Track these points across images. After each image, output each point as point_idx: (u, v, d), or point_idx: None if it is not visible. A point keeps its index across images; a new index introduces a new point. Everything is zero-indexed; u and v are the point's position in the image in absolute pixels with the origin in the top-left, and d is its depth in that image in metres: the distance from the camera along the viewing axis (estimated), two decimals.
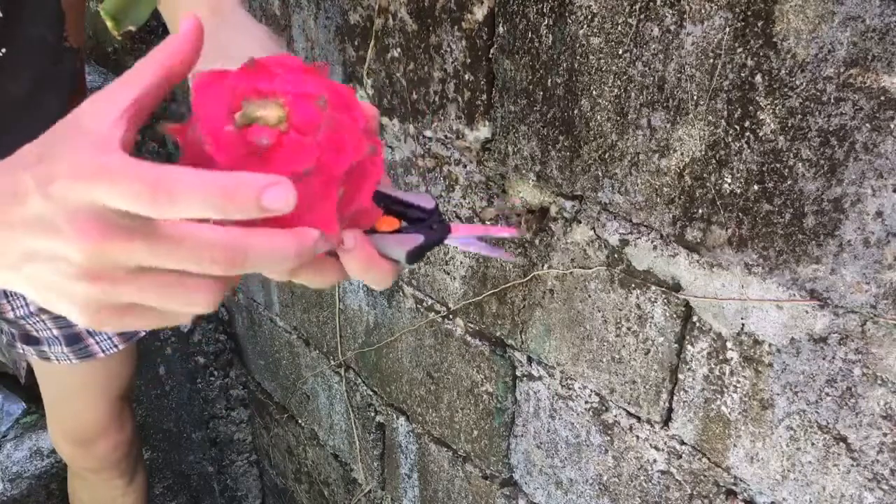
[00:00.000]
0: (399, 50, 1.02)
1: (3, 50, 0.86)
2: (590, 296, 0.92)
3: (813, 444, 0.75)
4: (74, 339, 1.22)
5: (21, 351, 1.26)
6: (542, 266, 0.96)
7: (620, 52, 0.76)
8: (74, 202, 0.34)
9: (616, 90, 0.78)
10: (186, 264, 0.36)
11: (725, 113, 0.70)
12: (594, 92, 0.80)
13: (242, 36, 0.69)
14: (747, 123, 0.69)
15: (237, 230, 0.36)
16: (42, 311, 1.19)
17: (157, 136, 1.75)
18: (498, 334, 1.08)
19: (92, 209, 0.34)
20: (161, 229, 0.35)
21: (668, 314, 0.84)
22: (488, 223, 1.01)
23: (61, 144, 0.36)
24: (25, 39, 0.87)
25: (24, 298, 1.18)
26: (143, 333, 1.29)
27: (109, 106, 0.37)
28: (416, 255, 0.46)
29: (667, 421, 0.89)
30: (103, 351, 1.25)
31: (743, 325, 0.77)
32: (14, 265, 0.38)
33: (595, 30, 0.78)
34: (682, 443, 0.89)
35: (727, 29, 0.67)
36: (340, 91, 0.42)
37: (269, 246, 0.37)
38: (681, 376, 0.85)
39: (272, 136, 0.38)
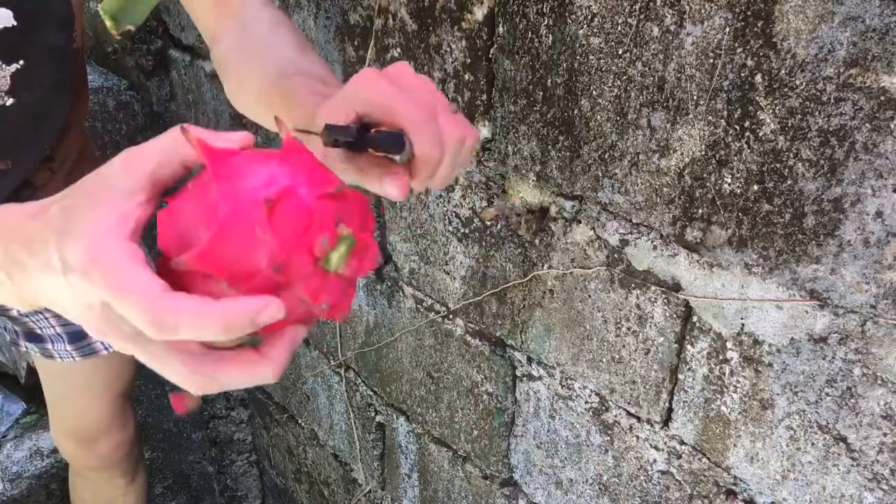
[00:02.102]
0: (399, 50, 1.02)
1: (21, 62, 0.85)
2: (590, 296, 0.92)
3: (813, 444, 0.75)
4: (78, 337, 1.23)
5: (24, 349, 1.26)
6: (542, 266, 0.96)
7: (620, 52, 0.76)
8: (87, 298, 0.38)
9: (616, 90, 0.78)
10: (165, 373, 0.40)
11: (725, 113, 0.70)
12: (594, 92, 0.80)
13: (266, 46, 0.71)
14: (747, 123, 0.69)
15: (210, 364, 0.40)
16: (46, 308, 1.18)
17: None
18: (498, 334, 1.08)
19: (99, 306, 0.38)
20: (153, 348, 0.39)
21: (668, 314, 0.84)
22: (488, 223, 1.01)
23: (83, 211, 0.39)
24: (41, 48, 0.87)
25: None
26: None
27: (134, 170, 0.40)
28: (401, 148, 0.51)
29: (667, 421, 0.89)
30: (106, 348, 1.25)
31: (743, 325, 0.77)
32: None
33: (595, 30, 0.78)
34: (682, 443, 0.89)
35: (727, 29, 0.67)
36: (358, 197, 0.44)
37: (242, 379, 0.41)
38: (681, 376, 0.85)
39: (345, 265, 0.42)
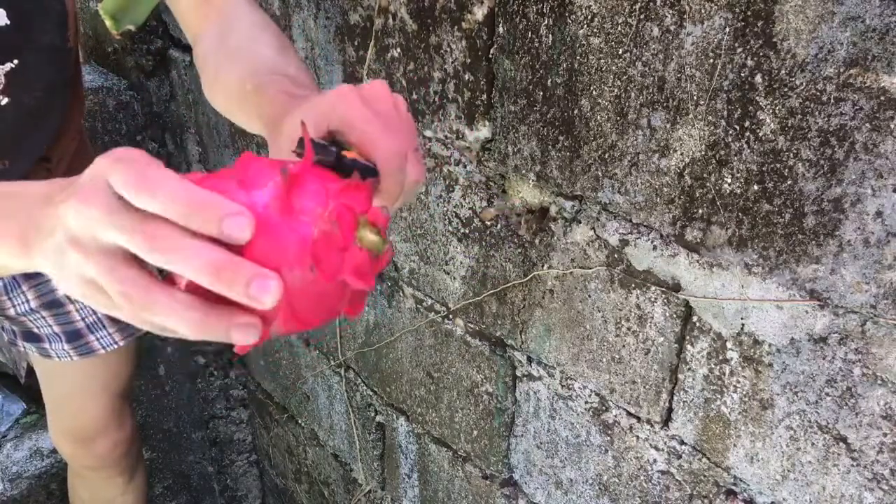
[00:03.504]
0: (399, 50, 1.02)
1: (16, 61, 0.85)
2: (590, 296, 0.92)
3: (813, 444, 0.75)
4: (75, 336, 1.23)
5: (22, 349, 1.26)
6: (542, 266, 0.96)
7: (620, 52, 0.76)
8: (91, 179, 0.40)
9: (616, 90, 0.78)
10: (142, 254, 0.40)
11: (725, 113, 0.70)
12: (594, 92, 0.80)
13: (250, 45, 0.71)
14: (747, 123, 0.69)
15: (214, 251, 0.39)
16: (43, 307, 1.19)
17: (156, 136, 1.75)
18: (498, 334, 1.08)
19: (101, 183, 0.40)
20: (145, 223, 0.39)
21: (668, 314, 0.84)
22: (488, 223, 1.01)
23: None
24: (35, 48, 0.87)
25: (26, 295, 1.18)
26: (142, 331, 1.29)
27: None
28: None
29: (667, 421, 0.89)
30: (104, 348, 1.25)
31: (743, 325, 0.77)
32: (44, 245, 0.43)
33: (595, 30, 0.78)
34: (682, 443, 0.89)
35: (727, 29, 0.67)
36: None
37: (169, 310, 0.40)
38: (681, 376, 0.85)
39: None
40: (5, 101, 0.87)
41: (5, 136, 0.90)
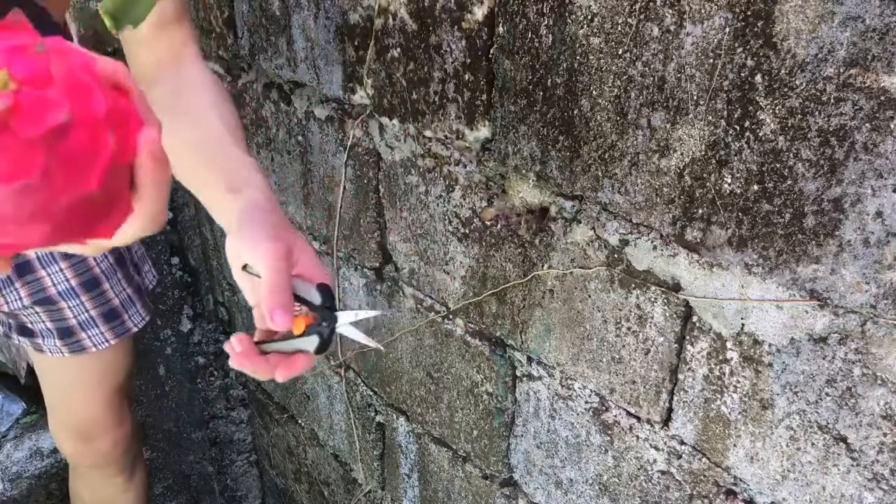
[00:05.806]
0: (399, 50, 1.02)
1: None
2: (590, 296, 0.92)
3: (813, 444, 0.75)
4: (67, 333, 1.24)
5: (17, 342, 1.28)
6: (542, 266, 0.96)
7: (620, 52, 0.76)
8: None
9: (616, 90, 0.78)
10: None
11: (725, 113, 0.70)
12: (594, 92, 0.80)
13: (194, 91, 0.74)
14: (747, 123, 0.69)
15: None
16: (36, 303, 1.20)
17: None
18: (498, 334, 1.08)
19: None
20: None
21: (667, 314, 0.84)
22: (488, 223, 1.01)
23: None
24: None
25: (19, 292, 1.19)
26: (135, 329, 1.30)
27: None
28: (322, 349, 0.50)
29: (667, 421, 0.89)
30: (95, 345, 1.26)
31: (743, 325, 0.77)
32: None
33: (595, 30, 0.78)
34: (682, 443, 0.89)
35: (727, 29, 0.67)
36: (55, 41, 0.38)
37: None
38: (681, 376, 0.85)
39: (6, 99, 0.34)
40: None
41: None
